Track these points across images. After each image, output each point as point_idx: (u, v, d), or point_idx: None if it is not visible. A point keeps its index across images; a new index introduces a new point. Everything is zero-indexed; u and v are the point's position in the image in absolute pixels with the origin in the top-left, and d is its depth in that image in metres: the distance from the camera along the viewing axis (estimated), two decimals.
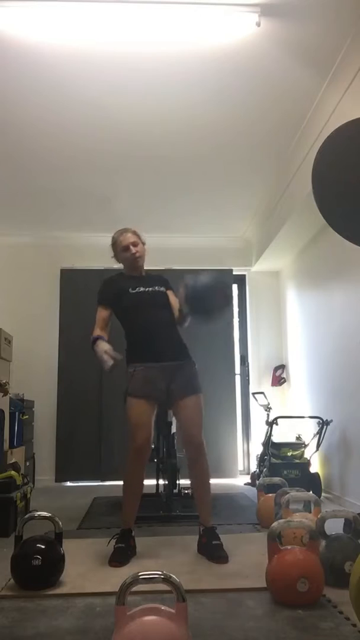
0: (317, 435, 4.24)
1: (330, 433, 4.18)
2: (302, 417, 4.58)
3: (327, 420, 4.17)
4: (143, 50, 2.87)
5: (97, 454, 5.16)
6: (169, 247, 5.35)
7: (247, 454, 5.61)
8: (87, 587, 2.14)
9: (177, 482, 3.58)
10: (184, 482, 3.53)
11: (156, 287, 2.79)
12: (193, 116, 3.52)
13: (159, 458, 3.70)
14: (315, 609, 1.89)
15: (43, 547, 2.18)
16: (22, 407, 4.51)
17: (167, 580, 1.48)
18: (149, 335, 2.69)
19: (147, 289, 2.77)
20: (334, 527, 2.31)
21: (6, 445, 3.87)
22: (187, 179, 4.44)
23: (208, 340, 5.03)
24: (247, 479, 5.06)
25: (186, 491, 3.57)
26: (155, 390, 2.62)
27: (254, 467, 5.12)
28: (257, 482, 3.67)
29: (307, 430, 4.56)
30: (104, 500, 4.11)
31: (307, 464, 4.29)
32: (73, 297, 5.41)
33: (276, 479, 3.37)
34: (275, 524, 2.09)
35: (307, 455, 4.37)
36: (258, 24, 2.64)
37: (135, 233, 2.85)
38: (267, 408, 5.04)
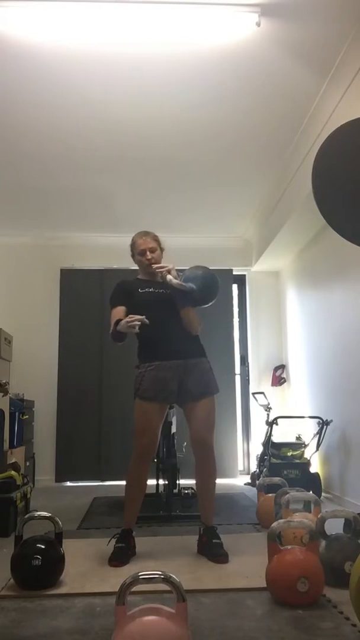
0: (317, 435, 4.24)
1: (330, 433, 4.18)
2: (302, 417, 4.58)
3: (327, 420, 4.17)
4: (143, 50, 2.87)
5: (97, 454, 5.16)
6: (168, 247, 5.27)
7: (247, 454, 5.61)
8: (87, 587, 2.14)
9: (177, 482, 3.57)
10: (184, 482, 3.54)
11: (168, 290, 2.72)
12: (192, 116, 3.52)
13: (159, 458, 3.69)
14: (315, 609, 1.89)
15: (43, 547, 2.18)
16: (22, 407, 4.51)
17: (167, 580, 1.48)
18: (160, 333, 2.62)
19: (157, 290, 2.74)
20: (334, 527, 2.31)
21: (6, 445, 3.87)
22: (186, 179, 4.44)
23: (208, 340, 5.00)
24: (247, 479, 5.06)
25: (186, 491, 3.57)
26: (165, 391, 2.59)
27: (254, 467, 5.12)
28: (257, 482, 3.68)
29: (307, 430, 4.56)
30: (104, 500, 4.11)
31: (307, 464, 4.29)
32: (73, 297, 5.42)
33: (276, 479, 3.37)
34: (275, 524, 2.09)
35: (307, 455, 4.37)
36: (258, 24, 2.64)
37: (155, 239, 2.82)
38: (267, 408, 5.04)
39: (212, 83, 3.18)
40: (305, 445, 4.42)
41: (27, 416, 4.69)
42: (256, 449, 5.23)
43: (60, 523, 2.27)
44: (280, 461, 4.34)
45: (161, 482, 3.76)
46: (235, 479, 5.14)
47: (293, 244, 4.92)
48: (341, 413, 4.05)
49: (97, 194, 4.66)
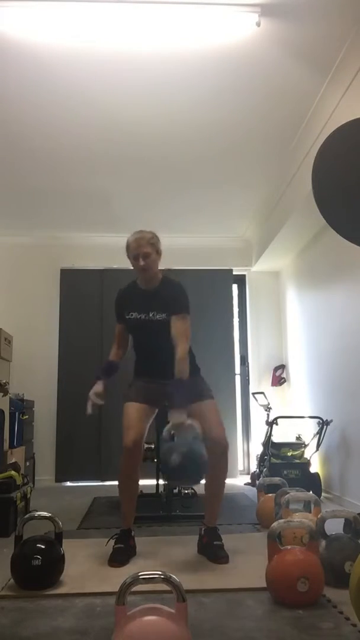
0: (317, 435, 4.24)
1: (330, 433, 4.18)
2: (302, 417, 4.58)
3: (327, 420, 4.17)
4: (143, 50, 2.87)
5: (97, 454, 5.16)
6: (168, 247, 5.24)
7: (247, 454, 5.61)
8: (87, 587, 2.14)
9: None
10: None
11: (157, 316, 2.63)
12: (192, 116, 3.51)
13: (160, 458, 3.69)
14: (315, 609, 1.89)
15: (43, 547, 2.18)
16: (22, 407, 4.51)
17: (167, 580, 1.48)
18: (150, 356, 2.72)
19: (140, 316, 2.67)
20: (334, 527, 2.31)
21: (6, 445, 3.87)
22: (186, 179, 4.44)
23: (208, 340, 5.04)
24: (247, 479, 5.06)
25: (186, 491, 3.57)
26: (153, 396, 2.65)
27: (254, 467, 5.12)
28: (257, 482, 3.67)
29: (307, 430, 4.56)
30: (104, 500, 4.11)
31: (307, 464, 4.29)
32: (73, 297, 5.42)
33: (276, 479, 3.37)
34: (275, 524, 2.09)
35: (307, 455, 4.37)
36: (258, 24, 2.64)
37: (150, 242, 2.65)
38: (267, 408, 5.04)
39: (212, 83, 3.18)
40: (305, 445, 4.42)
41: (27, 416, 4.69)
42: (256, 449, 5.23)
43: (60, 523, 2.27)
44: (280, 461, 4.34)
45: (161, 482, 3.75)
46: (235, 479, 5.13)
47: (293, 244, 4.92)
48: (341, 413, 4.05)
49: (97, 194, 4.66)
